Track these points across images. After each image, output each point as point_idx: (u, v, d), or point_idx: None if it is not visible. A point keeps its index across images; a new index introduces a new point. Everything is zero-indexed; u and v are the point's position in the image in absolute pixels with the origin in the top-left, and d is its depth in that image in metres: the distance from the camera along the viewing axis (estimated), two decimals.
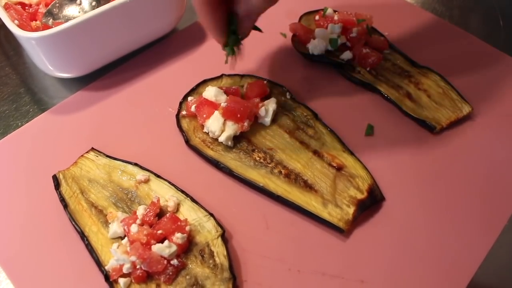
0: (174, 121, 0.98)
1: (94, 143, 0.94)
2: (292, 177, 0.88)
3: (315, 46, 1.07)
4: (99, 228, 0.82)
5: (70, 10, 1.06)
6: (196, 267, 0.77)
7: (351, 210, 0.85)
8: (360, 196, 0.86)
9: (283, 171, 0.89)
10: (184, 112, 0.97)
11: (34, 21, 1.04)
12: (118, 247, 0.76)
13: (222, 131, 0.91)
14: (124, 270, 0.75)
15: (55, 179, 0.87)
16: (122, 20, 0.99)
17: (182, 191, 0.86)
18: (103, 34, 0.98)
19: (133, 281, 0.76)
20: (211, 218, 0.82)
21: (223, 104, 0.92)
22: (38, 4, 1.07)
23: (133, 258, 0.74)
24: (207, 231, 0.81)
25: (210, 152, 0.92)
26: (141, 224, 0.78)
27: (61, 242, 0.82)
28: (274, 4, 0.83)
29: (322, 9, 1.15)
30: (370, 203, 0.86)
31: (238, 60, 0.91)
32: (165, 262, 0.75)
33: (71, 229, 0.83)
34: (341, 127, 0.97)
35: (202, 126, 0.94)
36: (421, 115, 0.99)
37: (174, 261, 0.76)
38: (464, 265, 0.82)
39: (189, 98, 0.98)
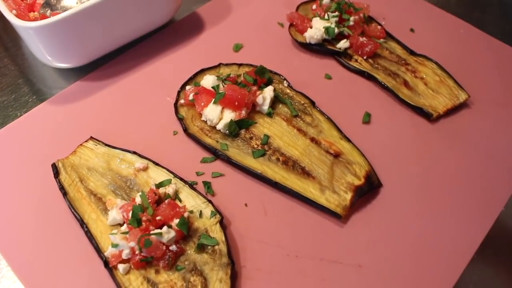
0: (172, 110, 0.98)
1: (93, 132, 0.95)
2: (290, 164, 0.89)
3: (312, 35, 1.07)
4: (98, 215, 0.82)
5: (68, 1, 1.06)
6: (194, 253, 0.78)
7: (348, 196, 0.85)
8: (357, 182, 0.87)
9: (280, 158, 0.89)
10: (182, 101, 0.98)
11: (32, 12, 1.04)
12: (117, 234, 0.77)
13: (220, 119, 0.92)
14: (123, 256, 0.76)
15: (54, 167, 0.88)
16: (120, 10, 0.99)
17: (181, 179, 0.86)
18: (101, 24, 0.98)
19: (132, 267, 0.76)
20: (210, 204, 0.83)
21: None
22: None
23: (132, 244, 0.75)
24: (206, 218, 0.81)
25: (208, 140, 0.92)
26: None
27: (61, 229, 0.83)
28: None
29: None
30: (368, 189, 0.87)
31: None
32: (164, 247, 0.76)
33: (70, 217, 0.83)
34: (338, 114, 0.98)
35: (200, 115, 0.95)
36: (418, 103, 0.99)
37: (173, 247, 0.76)
38: (461, 250, 0.83)
39: (187, 87, 0.99)
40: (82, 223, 0.81)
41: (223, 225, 0.82)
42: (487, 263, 0.82)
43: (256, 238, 0.83)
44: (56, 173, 0.87)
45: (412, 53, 1.09)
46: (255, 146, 0.91)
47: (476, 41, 1.15)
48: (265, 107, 0.94)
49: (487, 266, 0.82)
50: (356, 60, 1.07)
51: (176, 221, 0.78)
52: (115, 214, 0.80)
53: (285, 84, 1.01)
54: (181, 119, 0.95)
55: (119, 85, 1.04)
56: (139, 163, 0.88)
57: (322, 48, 1.09)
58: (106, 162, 0.89)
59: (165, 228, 0.76)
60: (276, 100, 0.97)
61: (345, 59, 1.07)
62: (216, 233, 0.80)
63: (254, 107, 0.95)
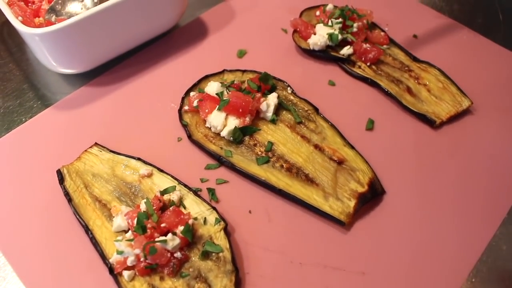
0: (176, 116, 0.99)
1: (97, 138, 0.95)
2: (294, 171, 0.89)
3: (316, 41, 1.07)
4: (103, 222, 0.83)
5: (73, 7, 1.07)
6: (199, 260, 0.78)
7: (352, 203, 0.85)
8: (361, 189, 0.87)
9: (284, 165, 0.90)
10: (186, 107, 0.98)
11: (37, 18, 1.04)
12: (122, 240, 0.77)
13: (224, 126, 0.92)
14: (128, 263, 0.76)
15: (59, 173, 0.88)
16: (125, 16, 0.99)
17: (185, 185, 0.86)
18: (106, 30, 0.99)
19: (137, 273, 0.77)
20: (214, 211, 0.83)
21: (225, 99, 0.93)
22: (41, 1, 1.07)
23: (137, 251, 0.75)
24: (210, 224, 0.82)
25: (212, 147, 0.93)
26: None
27: (66, 236, 0.83)
28: None
29: (323, 5, 1.16)
30: (371, 196, 0.87)
31: None
32: (169, 254, 0.76)
33: (75, 223, 0.84)
34: (341, 121, 0.98)
35: (204, 121, 0.95)
36: (421, 110, 1.00)
37: (178, 254, 0.77)
38: (464, 257, 0.83)
39: (191, 93, 0.99)
40: (87, 230, 0.82)
41: (227, 232, 0.82)
42: (490, 270, 0.82)
43: (260, 245, 0.83)
44: (61, 179, 0.88)
45: (415, 59, 1.09)
46: (259, 153, 0.91)
47: (479, 48, 1.15)
48: (269, 114, 0.95)
49: (490, 273, 0.82)
50: (360, 67, 1.07)
51: (181, 228, 0.78)
52: (120, 221, 0.80)
53: (289, 90, 1.01)
54: (185, 126, 0.96)
55: (124, 90, 1.05)
56: (144, 169, 0.88)
57: (325, 55, 1.09)
58: (110, 168, 0.89)
59: (170, 235, 0.77)
60: (280, 106, 0.98)
61: (348, 66, 1.08)
62: (221, 240, 0.80)
63: (258, 114, 0.95)
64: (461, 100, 1.01)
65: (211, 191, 0.88)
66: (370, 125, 0.99)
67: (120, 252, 0.76)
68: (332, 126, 0.96)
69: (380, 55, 1.07)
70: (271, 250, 0.83)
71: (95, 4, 1.06)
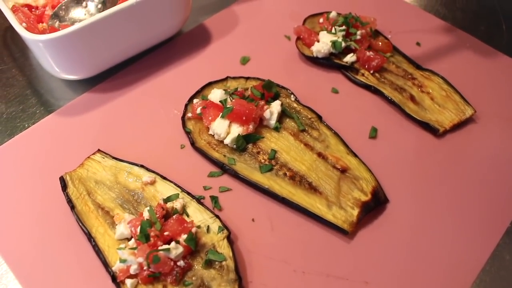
0: (179, 123, 0.98)
1: (100, 145, 0.95)
2: (297, 179, 0.89)
3: (319, 48, 1.07)
4: (106, 229, 0.82)
5: (76, 13, 1.07)
6: (202, 269, 0.78)
7: (355, 212, 0.85)
8: (364, 198, 0.87)
9: (288, 173, 0.89)
10: (189, 114, 0.98)
11: (40, 23, 1.04)
12: (125, 249, 0.77)
13: (228, 134, 0.92)
14: (131, 271, 0.76)
15: (62, 180, 0.88)
16: (128, 23, 0.99)
17: (188, 193, 0.86)
18: (110, 37, 0.99)
19: (140, 282, 0.76)
20: (217, 219, 0.83)
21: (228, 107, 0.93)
22: (44, 6, 1.08)
23: (140, 259, 0.75)
24: (213, 233, 0.82)
25: (215, 154, 0.92)
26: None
27: (69, 243, 0.83)
28: None
29: (326, 12, 1.16)
30: (374, 205, 0.87)
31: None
32: (172, 263, 0.76)
33: (78, 230, 0.84)
34: (345, 129, 0.98)
35: (208, 128, 0.95)
36: (424, 118, 1.00)
37: (181, 262, 0.77)
38: (467, 267, 0.83)
39: (195, 100, 0.99)
40: (89, 237, 0.82)
41: (231, 240, 0.82)
42: (494, 279, 0.82)
43: (263, 253, 0.83)
44: (64, 186, 0.87)
45: (418, 67, 1.09)
46: (262, 160, 0.91)
47: (482, 56, 1.15)
48: (273, 122, 0.94)
49: (494, 283, 0.82)
50: (363, 74, 1.07)
51: (184, 236, 0.78)
52: (123, 229, 0.80)
53: (292, 98, 1.01)
54: (188, 133, 0.96)
55: (127, 97, 1.05)
56: (147, 176, 0.88)
57: (329, 62, 1.09)
58: (113, 175, 0.89)
59: (173, 243, 0.76)
60: (283, 114, 0.97)
61: (351, 73, 1.08)
62: (224, 248, 0.80)
63: (261, 122, 0.95)
64: (464, 109, 1.01)
65: (214, 199, 0.88)
66: (373, 133, 0.99)
67: (123, 261, 0.76)
68: (335, 134, 0.96)
69: (384, 63, 1.07)
70: (274, 258, 0.83)
71: (99, 10, 1.06)
